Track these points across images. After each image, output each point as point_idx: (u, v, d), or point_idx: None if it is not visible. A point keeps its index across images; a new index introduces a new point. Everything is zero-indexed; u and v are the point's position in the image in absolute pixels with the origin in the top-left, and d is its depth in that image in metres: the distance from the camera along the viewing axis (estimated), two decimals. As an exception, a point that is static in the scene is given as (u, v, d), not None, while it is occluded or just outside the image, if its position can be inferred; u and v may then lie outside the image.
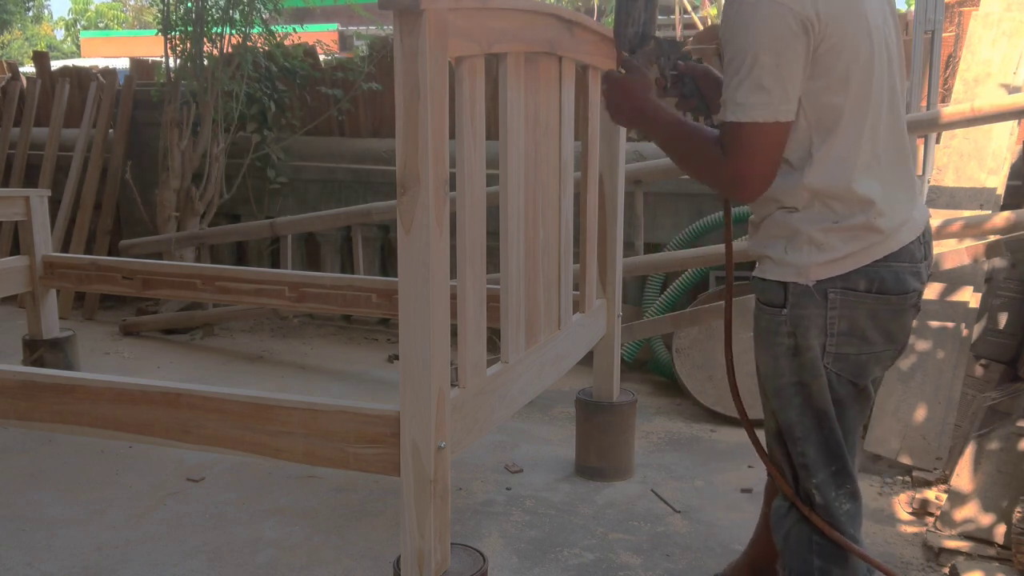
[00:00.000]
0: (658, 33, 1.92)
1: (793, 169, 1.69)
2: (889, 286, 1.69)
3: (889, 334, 1.73)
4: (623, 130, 3.00)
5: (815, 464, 1.75)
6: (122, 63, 8.26)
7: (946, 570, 2.49)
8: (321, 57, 5.53)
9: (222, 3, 4.91)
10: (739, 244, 3.86)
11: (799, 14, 1.57)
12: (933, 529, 2.64)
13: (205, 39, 4.91)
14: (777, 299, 1.72)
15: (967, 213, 3.39)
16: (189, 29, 4.92)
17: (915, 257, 1.72)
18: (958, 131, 3.58)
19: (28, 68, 8.06)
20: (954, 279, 3.29)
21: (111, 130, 5.53)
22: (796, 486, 1.81)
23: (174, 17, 4.95)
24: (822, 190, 1.67)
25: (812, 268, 1.68)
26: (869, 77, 1.66)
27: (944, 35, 3.92)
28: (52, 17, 31.85)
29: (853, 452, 1.79)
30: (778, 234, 1.73)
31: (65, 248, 5.46)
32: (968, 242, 3.25)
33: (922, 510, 2.82)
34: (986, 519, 2.57)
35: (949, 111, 3.43)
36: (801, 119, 1.65)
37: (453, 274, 1.95)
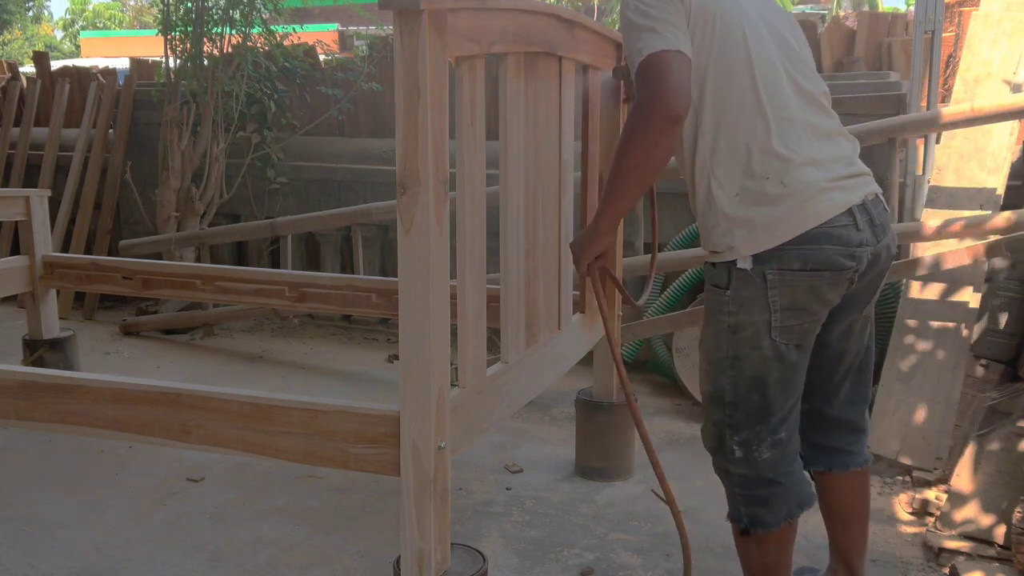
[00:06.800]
0: None
1: (698, 138, 1.89)
2: (824, 263, 1.84)
3: (827, 302, 1.91)
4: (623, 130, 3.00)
5: (742, 423, 1.95)
6: (122, 63, 8.26)
7: (946, 570, 2.49)
8: (321, 57, 5.54)
9: (222, 3, 4.92)
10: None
11: None
12: (933, 529, 2.64)
13: (205, 39, 4.91)
14: (722, 281, 1.90)
15: (967, 213, 3.39)
16: (189, 29, 4.92)
17: (850, 241, 1.86)
18: (958, 131, 3.58)
19: (28, 68, 8.07)
20: (954, 279, 3.29)
21: (111, 130, 5.53)
22: (719, 444, 2.00)
23: (174, 17, 4.96)
24: (725, 155, 1.86)
25: (741, 247, 1.85)
26: (747, 56, 1.87)
27: (944, 35, 3.92)
28: (52, 17, 31.85)
29: (797, 401, 2.00)
30: (711, 222, 1.90)
31: (65, 248, 5.46)
32: (968, 242, 3.25)
33: (922, 510, 2.82)
34: (986, 519, 2.57)
35: (949, 111, 3.43)
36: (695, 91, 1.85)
37: (453, 274, 1.95)
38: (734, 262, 1.87)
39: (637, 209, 4.11)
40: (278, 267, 4.92)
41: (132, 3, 29.57)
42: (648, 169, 1.84)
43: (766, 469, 1.96)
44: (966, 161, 3.56)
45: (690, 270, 3.99)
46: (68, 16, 30.06)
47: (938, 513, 2.70)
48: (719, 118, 1.87)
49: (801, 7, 14.08)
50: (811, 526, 2.75)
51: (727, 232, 1.87)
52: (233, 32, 4.95)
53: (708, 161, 1.88)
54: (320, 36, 6.40)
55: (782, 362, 1.91)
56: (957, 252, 3.20)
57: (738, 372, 1.92)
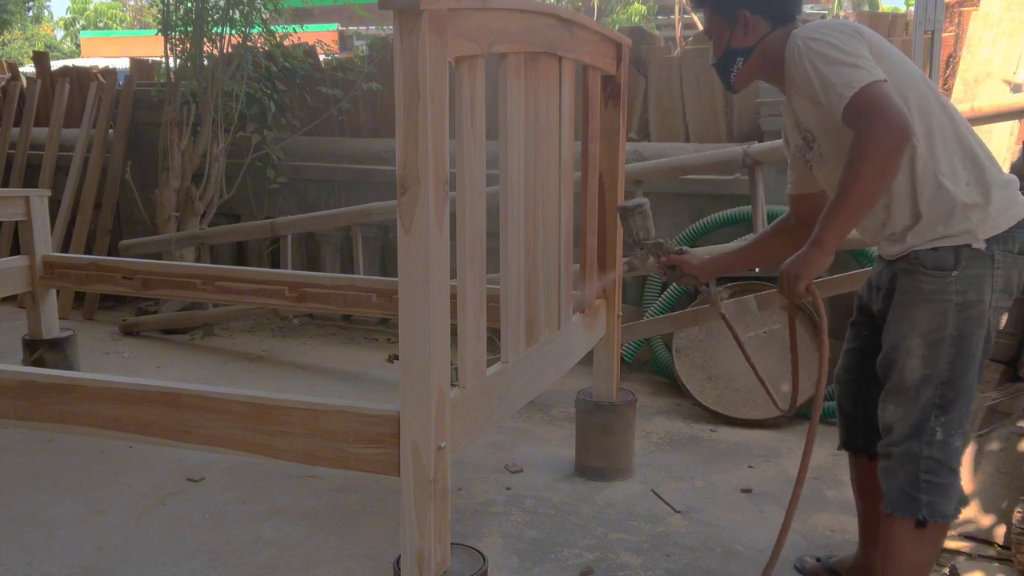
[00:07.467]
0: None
1: (914, 143, 1.95)
2: None
3: (1022, 289, 2.04)
4: (623, 130, 3.00)
5: (953, 403, 1.99)
6: (122, 63, 8.28)
7: (946, 570, 2.49)
8: (321, 57, 5.54)
9: (222, 3, 4.92)
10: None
11: (853, 27, 1.98)
12: (933, 529, 2.64)
13: (205, 39, 4.91)
14: (948, 263, 1.96)
15: (967, 213, 3.38)
16: (189, 29, 4.93)
17: None
18: (958, 131, 3.57)
19: (28, 68, 8.07)
20: (954, 279, 3.28)
21: (111, 130, 5.53)
22: (917, 428, 2.00)
23: (174, 17, 4.96)
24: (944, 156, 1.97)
25: (979, 230, 1.95)
26: (923, 79, 2.02)
27: (944, 35, 3.92)
28: (52, 17, 31.86)
29: None
30: (943, 213, 1.97)
31: (65, 248, 5.46)
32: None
33: (922, 510, 2.82)
34: (986, 519, 2.58)
35: (949, 111, 3.42)
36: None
37: (453, 274, 1.95)
38: (968, 244, 1.95)
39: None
40: (278, 267, 4.92)
41: (132, 3, 29.58)
42: (880, 190, 1.92)
43: (952, 457, 2.02)
44: (966, 161, 3.56)
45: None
46: (69, 15, 30.07)
47: (938, 513, 2.69)
48: (927, 124, 1.97)
49: (801, 7, 14.05)
50: (810, 526, 2.76)
51: (963, 218, 1.96)
52: (233, 32, 4.95)
53: (929, 161, 1.97)
54: (320, 36, 6.40)
55: (988, 342, 2.00)
56: (957, 252, 3.19)
57: (959, 350, 1.97)
